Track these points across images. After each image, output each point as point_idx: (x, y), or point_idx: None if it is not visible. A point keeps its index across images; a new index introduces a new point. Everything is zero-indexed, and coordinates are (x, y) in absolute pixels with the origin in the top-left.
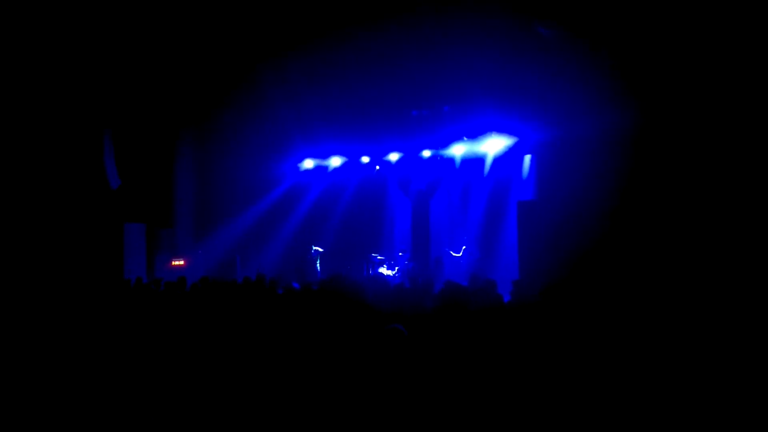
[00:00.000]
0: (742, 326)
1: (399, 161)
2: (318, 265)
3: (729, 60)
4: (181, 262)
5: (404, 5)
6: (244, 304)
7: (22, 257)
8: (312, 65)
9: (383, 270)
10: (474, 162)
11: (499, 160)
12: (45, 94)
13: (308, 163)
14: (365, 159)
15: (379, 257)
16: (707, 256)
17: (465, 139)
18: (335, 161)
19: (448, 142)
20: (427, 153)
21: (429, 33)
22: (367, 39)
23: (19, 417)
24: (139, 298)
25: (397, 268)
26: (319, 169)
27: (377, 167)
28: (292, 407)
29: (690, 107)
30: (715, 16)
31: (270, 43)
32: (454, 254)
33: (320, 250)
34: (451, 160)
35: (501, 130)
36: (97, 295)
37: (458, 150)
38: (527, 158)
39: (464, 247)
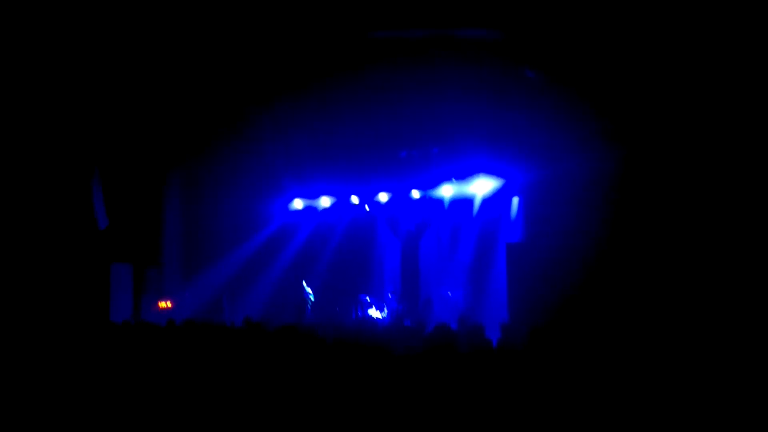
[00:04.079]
0: (725, 363)
1: (388, 202)
2: (309, 307)
3: (706, 104)
4: (168, 304)
5: (393, 50)
6: (233, 349)
7: (8, 296)
8: (302, 107)
9: (372, 311)
10: (463, 203)
11: (487, 201)
12: (34, 133)
13: (298, 204)
14: (355, 199)
15: (368, 298)
16: (697, 293)
17: (453, 180)
18: (325, 201)
19: (437, 183)
20: (416, 194)
21: (418, 76)
22: (357, 82)
23: None
24: (125, 340)
25: (386, 309)
26: (309, 210)
27: (367, 207)
28: None
29: (673, 147)
30: (690, 63)
31: (260, 86)
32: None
33: (310, 292)
34: (440, 200)
35: (489, 171)
36: (82, 336)
37: (447, 191)
38: (515, 200)
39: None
